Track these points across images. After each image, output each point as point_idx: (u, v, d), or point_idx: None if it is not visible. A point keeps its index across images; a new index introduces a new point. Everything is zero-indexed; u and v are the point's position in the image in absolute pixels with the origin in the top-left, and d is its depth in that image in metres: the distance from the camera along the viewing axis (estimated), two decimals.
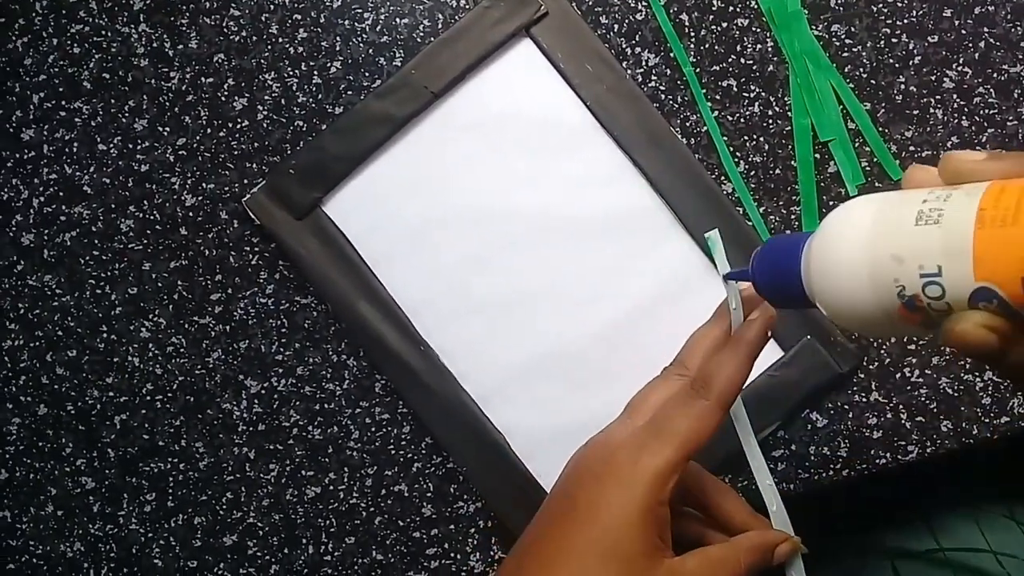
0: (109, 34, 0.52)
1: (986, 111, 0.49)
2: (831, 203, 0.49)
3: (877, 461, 0.49)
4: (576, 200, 0.50)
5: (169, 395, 0.52)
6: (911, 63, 0.49)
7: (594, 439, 0.40)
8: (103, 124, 0.52)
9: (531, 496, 0.49)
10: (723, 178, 0.50)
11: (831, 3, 0.49)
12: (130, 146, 0.52)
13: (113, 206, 0.52)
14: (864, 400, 0.49)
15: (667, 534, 0.37)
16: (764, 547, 0.40)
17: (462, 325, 0.50)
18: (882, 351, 0.49)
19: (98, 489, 0.52)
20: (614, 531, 0.36)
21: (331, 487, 0.51)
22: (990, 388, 0.49)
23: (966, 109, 0.49)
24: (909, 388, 0.49)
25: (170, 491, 0.52)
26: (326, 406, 0.51)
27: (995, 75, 0.49)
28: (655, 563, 0.36)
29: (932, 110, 0.49)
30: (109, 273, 0.52)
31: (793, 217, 0.49)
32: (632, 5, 0.50)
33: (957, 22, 0.49)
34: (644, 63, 0.50)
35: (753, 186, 0.49)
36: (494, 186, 0.50)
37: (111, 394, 0.52)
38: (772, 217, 0.49)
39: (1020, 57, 0.49)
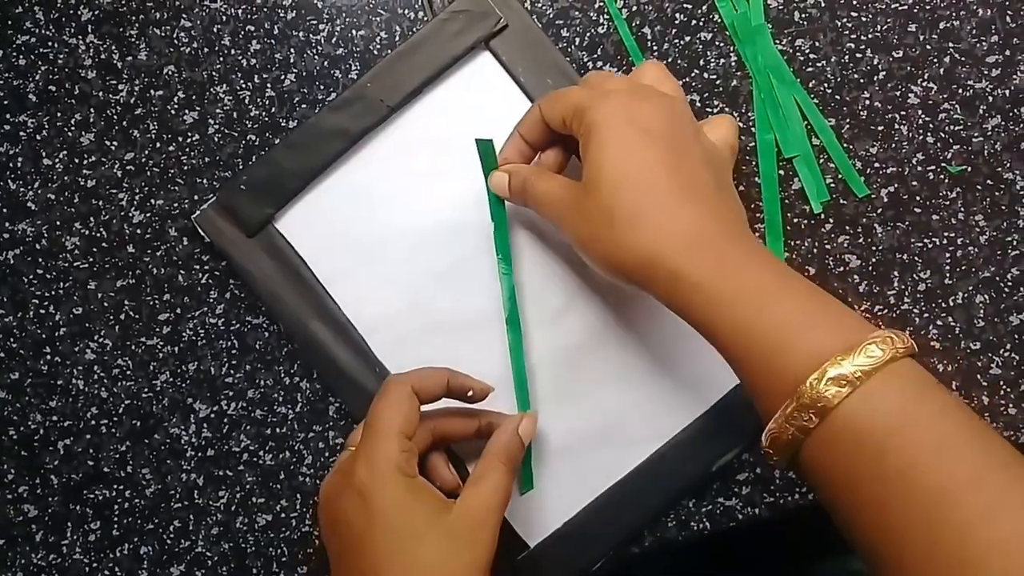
0: (56, 45, 0.50)
1: (951, 127, 0.48)
2: (795, 220, 0.48)
3: None
4: (538, 215, 0.49)
5: (115, 419, 0.50)
6: (876, 78, 0.48)
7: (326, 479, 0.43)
8: (48, 138, 0.50)
9: None
10: None
11: (795, 17, 0.49)
12: (76, 161, 0.50)
13: (58, 223, 0.50)
14: None
15: (426, 484, 0.41)
16: (510, 438, 0.43)
17: (420, 345, 0.49)
18: None
19: (41, 517, 0.50)
20: (392, 515, 0.39)
21: (283, 515, 0.49)
22: None
23: (931, 125, 0.48)
24: None
25: (115, 519, 0.50)
26: (278, 430, 0.49)
27: (960, 90, 0.48)
28: (441, 516, 0.40)
29: (897, 126, 0.48)
30: (53, 292, 0.50)
31: (757, 234, 0.48)
32: (593, 18, 0.49)
33: (922, 37, 0.48)
34: None
35: None
36: (453, 201, 0.49)
37: (54, 418, 0.50)
38: None
39: (985, 72, 0.48)
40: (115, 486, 0.50)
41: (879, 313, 0.48)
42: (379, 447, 0.40)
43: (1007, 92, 0.48)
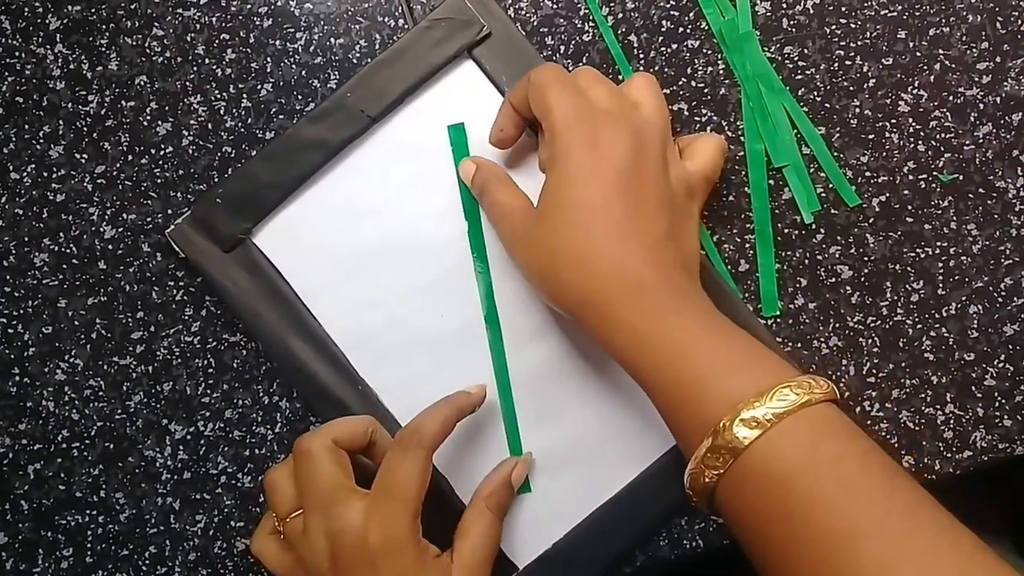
0: (23, 55, 0.49)
1: (942, 135, 0.47)
2: (786, 230, 0.47)
3: None
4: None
5: (87, 442, 0.48)
6: (866, 86, 0.47)
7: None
8: (16, 151, 0.48)
9: None
10: None
11: (783, 24, 0.48)
12: (45, 174, 0.48)
13: (26, 239, 0.48)
14: None
15: (425, 543, 0.41)
16: (500, 484, 0.44)
17: (402, 361, 0.47)
18: (841, 384, 0.47)
19: (11, 544, 0.48)
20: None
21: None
22: (951, 422, 0.47)
23: (922, 133, 0.47)
24: (869, 423, 0.47)
25: (88, 545, 0.48)
26: (257, 451, 0.48)
27: (951, 98, 0.47)
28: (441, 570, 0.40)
29: (888, 134, 0.47)
30: (21, 311, 0.48)
31: (748, 245, 0.47)
32: (579, 26, 0.48)
33: (912, 44, 0.47)
34: None
35: (706, 214, 0.47)
36: (435, 214, 0.48)
37: (24, 441, 0.48)
38: (726, 246, 0.47)
39: (976, 80, 0.47)
40: (88, 511, 0.48)
41: (871, 324, 0.47)
42: (391, 510, 0.40)
43: (998, 99, 0.47)
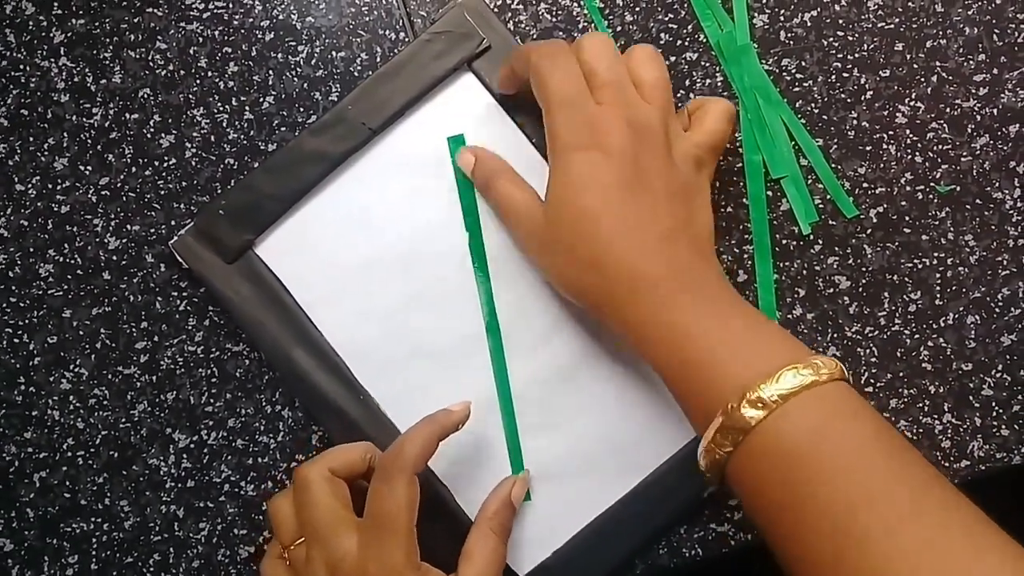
0: (28, 68, 0.49)
1: (939, 146, 0.48)
2: (784, 242, 0.48)
3: None
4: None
5: (92, 450, 0.49)
6: (863, 98, 0.48)
7: None
8: (21, 163, 0.49)
9: None
10: None
11: (781, 37, 0.48)
12: (50, 186, 0.49)
13: (32, 250, 0.49)
14: None
15: (426, 567, 0.41)
16: (502, 505, 0.44)
17: (404, 372, 0.48)
18: None
19: (17, 551, 0.49)
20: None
21: (265, 546, 0.48)
22: (949, 431, 0.47)
23: (919, 144, 0.48)
24: None
25: (93, 553, 0.48)
26: (260, 460, 0.48)
27: (948, 110, 0.48)
28: None
29: (885, 145, 0.48)
30: (27, 321, 0.49)
31: (746, 256, 0.48)
32: (577, 38, 0.48)
33: (909, 56, 0.48)
34: None
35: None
36: (436, 225, 0.48)
37: (30, 450, 0.49)
38: (724, 256, 0.48)
39: (973, 91, 0.48)
40: (93, 519, 0.49)
41: (869, 335, 0.47)
42: (384, 541, 0.40)
43: (995, 111, 0.47)
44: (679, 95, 0.48)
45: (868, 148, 0.48)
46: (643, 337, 0.40)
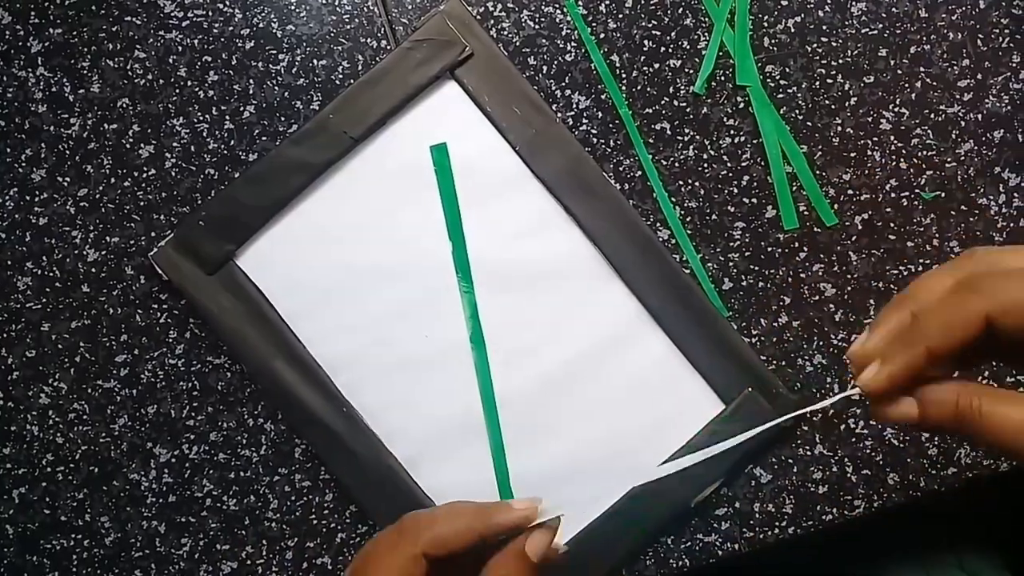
0: (4, 78, 0.49)
1: (924, 152, 0.47)
2: (768, 249, 0.47)
3: (823, 517, 0.47)
4: (505, 249, 0.47)
5: (71, 466, 0.48)
6: (847, 104, 0.48)
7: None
8: None
9: None
10: (658, 224, 0.47)
11: (765, 43, 0.48)
12: (27, 198, 0.48)
13: (9, 263, 0.48)
14: (808, 454, 0.47)
15: None
16: (511, 566, 0.36)
17: (387, 383, 0.47)
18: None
19: None
20: None
21: (248, 561, 0.48)
22: (936, 439, 0.47)
23: (904, 151, 0.47)
24: (854, 440, 0.47)
25: (74, 569, 0.48)
26: (242, 474, 0.48)
27: (932, 115, 0.47)
28: None
29: (870, 152, 0.47)
30: (5, 335, 0.48)
31: (731, 263, 0.47)
32: (561, 46, 0.48)
33: (893, 62, 0.48)
34: (575, 106, 0.48)
35: (689, 232, 0.47)
36: (418, 236, 0.48)
37: (8, 466, 0.48)
38: (710, 264, 0.47)
39: (957, 97, 0.47)
40: (73, 535, 0.48)
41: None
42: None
43: (979, 116, 0.47)
44: (663, 102, 0.48)
45: (853, 155, 0.47)
46: None
